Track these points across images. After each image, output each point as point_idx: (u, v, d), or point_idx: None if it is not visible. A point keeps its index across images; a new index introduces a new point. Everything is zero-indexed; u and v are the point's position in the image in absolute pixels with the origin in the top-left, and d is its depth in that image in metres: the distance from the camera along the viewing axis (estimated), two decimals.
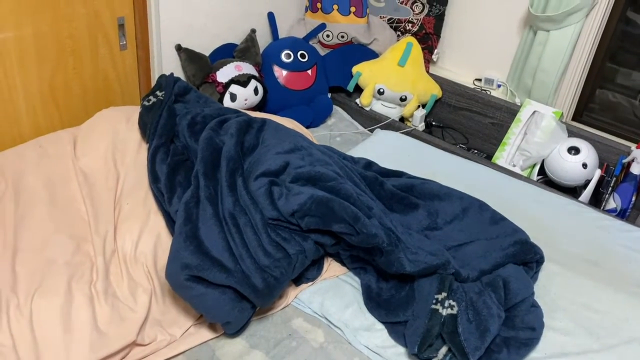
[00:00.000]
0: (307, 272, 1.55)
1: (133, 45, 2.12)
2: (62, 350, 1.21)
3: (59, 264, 1.38)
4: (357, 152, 2.11)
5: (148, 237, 1.51)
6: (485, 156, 2.47)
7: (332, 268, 1.60)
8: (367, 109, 2.54)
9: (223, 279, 1.31)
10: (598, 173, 2.09)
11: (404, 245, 1.46)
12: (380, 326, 1.43)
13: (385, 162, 2.01)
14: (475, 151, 2.55)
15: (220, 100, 2.17)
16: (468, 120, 2.57)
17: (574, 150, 2.12)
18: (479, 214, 1.63)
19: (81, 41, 1.94)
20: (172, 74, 1.94)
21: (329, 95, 2.58)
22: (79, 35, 1.92)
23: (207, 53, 2.33)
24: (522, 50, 2.46)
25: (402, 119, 2.60)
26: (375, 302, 1.47)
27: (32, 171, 1.63)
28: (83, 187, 1.60)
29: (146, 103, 1.80)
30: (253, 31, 2.42)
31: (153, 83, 2.19)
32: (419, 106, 2.57)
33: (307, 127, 2.38)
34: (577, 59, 2.33)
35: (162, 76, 1.92)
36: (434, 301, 1.35)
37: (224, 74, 2.19)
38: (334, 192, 1.49)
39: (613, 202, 2.02)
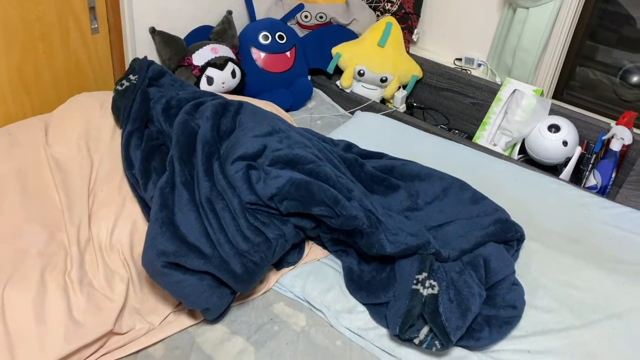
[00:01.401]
0: (288, 256, 1.53)
1: (105, 29, 2.06)
2: (36, 342, 1.18)
3: (31, 253, 1.35)
4: (337, 134, 2.09)
5: (124, 224, 1.48)
6: (467, 136, 2.46)
7: (313, 251, 1.59)
8: (348, 90, 2.51)
9: (201, 265, 1.28)
10: (578, 150, 2.10)
11: (385, 226, 1.44)
12: (362, 308, 1.43)
13: (367, 144, 1.99)
14: (457, 131, 2.54)
15: (197, 84, 2.13)
16: (449, 101, 2.56)
17: (555, 128, 2.12)
18: (460, 193, 1.62)
19: (50, 25, 1.88)
20: (145, 57, 1.89)
21: (309, 77, 2.54)
22: (48, 18, 1.86)
23: (182, 36, 2.28)
24: (502, 29, 2.44)
25: (383, 101, 2.58)
26: (356, 285, 1.46)
27: (2, 160, 1.58)
28: (56, 175, 1.56)
29: (119, 87, 1.76)
30: (229, 13, 2.37)
31: (127, 68, 2.14)
32: (399, 87, 2.54)
33: (287, 110, 2.34)
34: (556, 37, 2.32)
35: (135, 60, 1.87)
36: (415, 281, 1.34)
37: (200, 57, 2.14)
38: (313, 175, 1.47)
39: (593, 179, 2.03)
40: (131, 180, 1.55)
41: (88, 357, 1.24)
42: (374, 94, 2.51)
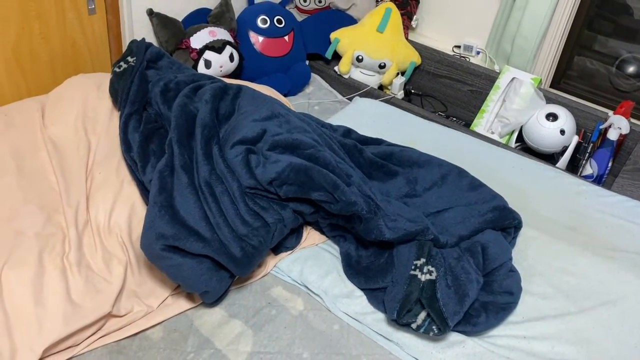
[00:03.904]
0: (286, 241, 1.54)
1: (102, 10, 2.03)
2: (35, 323, 1.18)
3: (28, 235, 1.34)
4: (336, 120, 2.08)
5: (122, 207, 1.47)
6: (464, 124, 2.46)
7: (311, 236, 1.59)
8: (346, 76, 2.50)
9: (200, 248, 1.28)
10: (575, 139, 2.10)
11: (383, 212, 1.45)
12: (359, 293, 1.43)
13: (365, 130, 1.99)
14: (454, 119, 2.54)
15: (195, 67, 2.11)
16: (447, 88, 2.55)
17: (552, 117, 2.12)
18: (458, 180, 1.63)
19: (46, 4, 1.85)
20: (143, 39, 1.87)
21: (307, 62, 2.53)
22: None
23: (179, 18, 2.25)
24: (502, 16, 2.43)
25: (381, 87, 2.57)
26: (354, 270, 1.46)
27: None
28: (53, 157, 1.54)
29: (117, 69, 1.74)
30: None
31: (124, 49, 2.12)
32: (398, 74, 2.53)
33: (285, 95, 2.33)
34: (556, 25, 2.32)
35: (133, 41, 1.84)
36: (413, 267, 1.34)
37: (197, 40, 2.12)
38: (313, 160, 1.47)
39: (590, 168, 2.04)
40: (129, 163, 1.54)
41: (86, 339, 1.24)
42: (372, 80, 2.50)
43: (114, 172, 1.55)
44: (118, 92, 1.68)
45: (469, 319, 1.32)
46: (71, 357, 1.22)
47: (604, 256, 1.57)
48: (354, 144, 1.69)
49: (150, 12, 2.13)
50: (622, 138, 2.06)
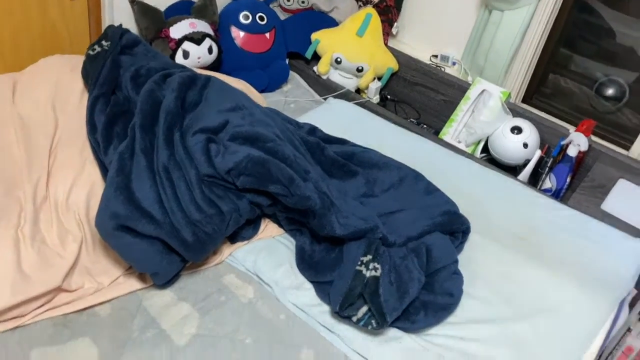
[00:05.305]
0: (243, 231, 1.58)
1: None
2: None
3: None
4: (308, 118, 2.12)
5: (82, 186, 1.50)
6: (434, 132, 2.51)
7: (268, 229, 1.63)
8: (324, 77, 2.54)
9: (151, 230, 1.32)
10: (538, 153, 2.16)
11: (337, 209, 1.49)
12: (309, 286, 1.47)
13: (333, 130, 2.02)
14: (425, 126, 2.59)
15: (172, 57, 2.14)
16: (421, 96, 2.61)
17: (517, 130, 2.18)
18: (414, 184, 1.68)
19: None
20: (120, 25, 1.90)
21: (287, 61, 2.57)
22: None
23: (162, 9, 2.28)
24: (477, 29, 2.49)
25: (359, 91, 2.62)
26: (306, 263, 1.51)
27: None
28: (19, 133, 1.57)
29: (91, 52, 1.77)
30: None
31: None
32: (374, 78, 2.58)
33: (262, 91, 2.37)
34: (528, 42, 2.37)
35: (110, 27, 1.87)
36: (359, 263, 1.39)
37: (177, 30, 2.15)
38: (272, 153, 1.51)
39: (549, 182, 2.09)
40: (93, 144, 1.58)
41: (33, 310, 1.27)
42: (349, 83, 2.55)
43: (77, 151, 1.58)
44: (89, 75, 1.71)
45: (408, 316, 1.36)
46: (16, 327, 1.25)
47: (548, 267, 1.62)
48: (317, 142, 1.73)
49: (132, 0, 2.16)
50: (582, 155, 2.12)
